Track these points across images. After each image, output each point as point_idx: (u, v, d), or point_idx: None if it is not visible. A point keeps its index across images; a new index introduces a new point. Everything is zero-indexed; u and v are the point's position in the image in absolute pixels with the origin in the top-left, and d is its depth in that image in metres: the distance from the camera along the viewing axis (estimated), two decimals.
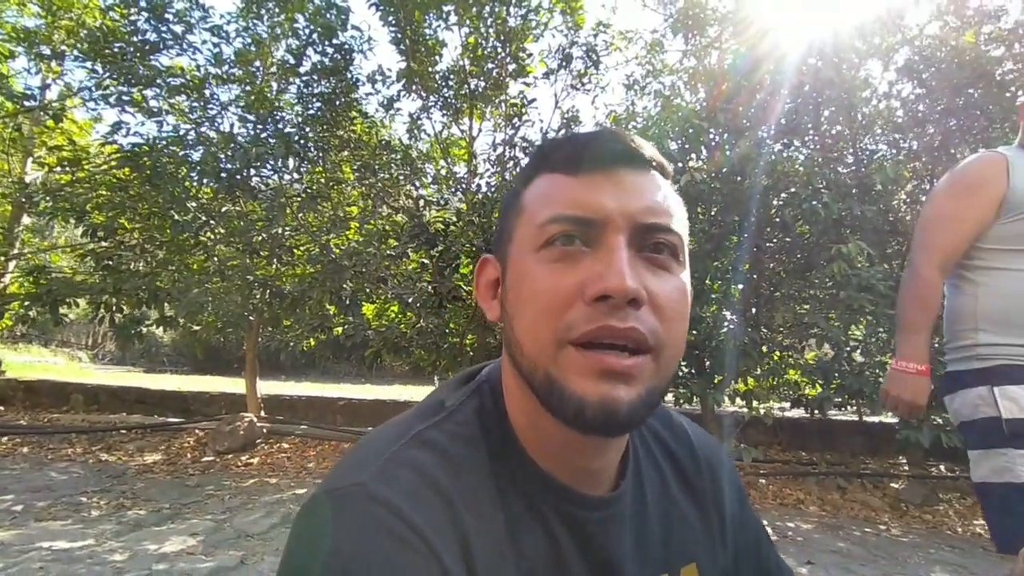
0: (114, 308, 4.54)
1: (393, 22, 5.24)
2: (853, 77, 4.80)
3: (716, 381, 4.32)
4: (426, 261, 4.41)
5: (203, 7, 4.79)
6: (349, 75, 4.78)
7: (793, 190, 3.91)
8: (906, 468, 4.61)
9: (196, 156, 4.63)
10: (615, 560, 0.42)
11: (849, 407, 4.80)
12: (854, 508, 3.81)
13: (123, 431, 5.14)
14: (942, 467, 4.66)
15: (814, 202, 3.78)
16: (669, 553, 0.46)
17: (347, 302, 4.56)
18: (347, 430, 5.29)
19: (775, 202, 4.64)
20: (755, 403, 4.74)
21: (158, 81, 4.56)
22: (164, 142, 4.58)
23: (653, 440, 0.51)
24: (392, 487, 0.34)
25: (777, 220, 4.65)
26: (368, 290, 4.47)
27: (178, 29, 4.67)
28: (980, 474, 1.16)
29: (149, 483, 3.77)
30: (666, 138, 4.50)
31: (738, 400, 4.94)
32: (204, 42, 4.87)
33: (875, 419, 5.27)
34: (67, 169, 4.77)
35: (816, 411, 4.16)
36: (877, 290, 3.68)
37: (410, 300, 3.96)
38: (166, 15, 4.55)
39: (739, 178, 4.43)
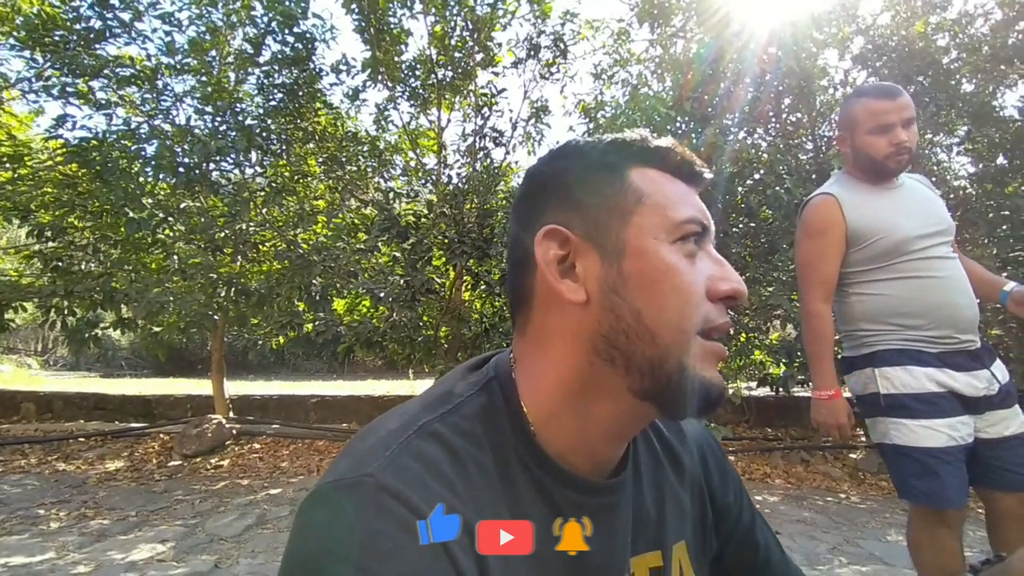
0: (65, 311, 4.31)
1: (356, 10, 5.09)
2: (811, 66, 4.96)
3: None
4: (397, 254, 4.34)
5: None
6: (312, 65, 4.63)
7: (758, 176, 4.01)
8: (863, 439, 4.85)
9: (151, 150, 4.42)
10: (619, 541, 0.44)
11: (810, 384, 5.01)
12: (817, 479, 3.99)
13: (81, 439, 4.91)
14: None
15: (778, 188, 3.89)
16: (663, 532, 0.47)
17: (317, 298, 4.46)
18: (321, 428, 5.20)
19: (740, 189, 4.77)
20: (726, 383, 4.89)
21: (105, 72, 4.31)
22: (114, 136, 4.34)
23: (651, 428, 0.53)
24: (400, 478, 0.34)
25: (742, 206, 4.78)
26: (338, 285, 4.38)
27: (125, 16, 4.42)
28: (875, 437, 1.45)
29: (112, 491, 3.62)
30: (634, 126, 4.53)
31: None
32: (155, 30, 4.63)
33: None
34: (7, 166, 4.47)
35: (781, 389, 4.32)
36: None
37: (382, 294, 3.90)
38: (111, 1, 4.29)
39: (707, 163, 4.52)
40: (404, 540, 0.32)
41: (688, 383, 0.39)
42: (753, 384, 5.07)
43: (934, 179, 5.45)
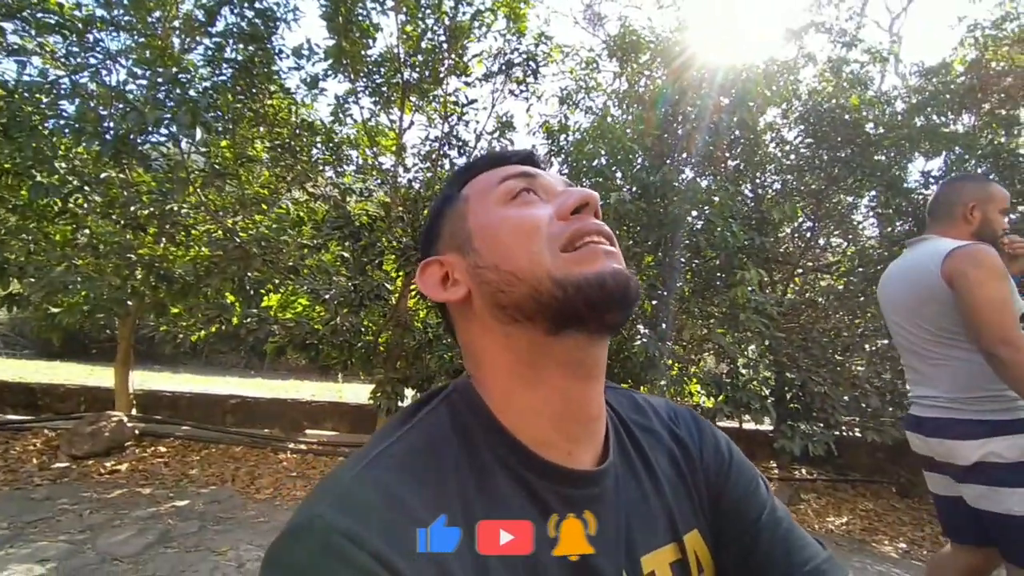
0: None
1: None
2: (758, 120, 5.36)
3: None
4: (346, 255, 4.12)
5: None
6: (270, 44, 4.34)
7: (710, 218, 4.25)
8: (776, 471, 5.22)
9: (71, 109, 3.92)
10: (612, 532, 0.43)
11: (734, 416, 5.33)
12: None
13: None
14: (803, 471, 5.34)
15: (724, 231, 4.13)
16: (672, 523, 0.47)
17: (251, 292, 4.13)
18: (240, 432, 4.81)
19: (690, 227, 5.02)
20: None
21: (24, 14, 3.79)
22: (27, 87, 3.82)
23: (628, 417, 0.53)
24: (351, 514, 0.33)
25: (687, 243, 5.04)
26: (276, 281, 4.08)
27: None
28: (999, 506, 1.36)
29: None
30: (598, 155, 4.67)
31: None
32: None
33: (753, 427, 5.90)
34: None
35: (711, 421, 4.53)
36: (769, 314, 4.11)
37: (327, 296, 3.67)
38: None
39: (660, 200, 4.72)
40: None
41: (573, 288, 0.40)
42: None
43: (850, 236, 6.07)
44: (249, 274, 3.92)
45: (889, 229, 5.45)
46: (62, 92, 3.97)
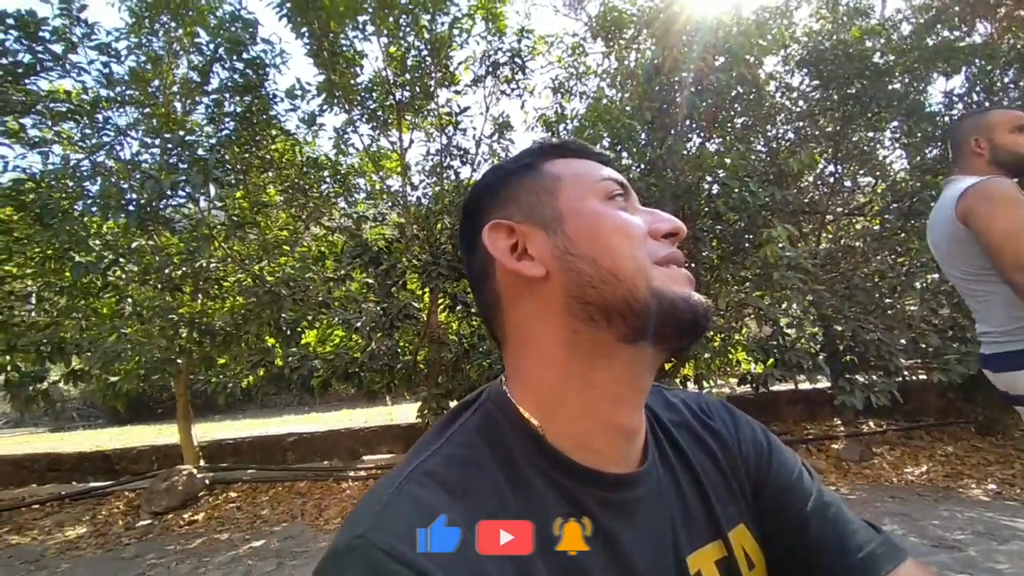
0: (9, 368, 3.96)
1: (307, 34, 4.98)
2: (758, 71, 5.18)
3: (666, 368, 4.48)
4: (370, 281, 4.21)
5: (85, 23, 4.29)
6: (264, 91, 4.47)
7: (725, 181, 4.13)
8: (841, 429, 5.03)
9: (94, 188, 4.15)
10: (658, 534, 0.43)
11: (786, 379, 5.18)
12: None
13: (35, 506, 4.51)
14: (871, 424, 5.14)
15: (743, 191, 4.02)
16: (714, 521, 0.46)
17: (287, 332, 4.26)
18: (302, 468, 4.97)
19: (703, 194, 4.90)
20: (705, 384, 4.99)
21: (38, 107, 4.03)
22: (53, 175, 4.05)
23: (663, 417, 0.52)
24: (393, 532, 0.33)
25: (706, 210, 4.91)
26: (310, 317, 4.20)
27: (57, 48, 4.14)
28: None
29: (76, 562, 3.33)
30: (599, 138, 4.61)
31: (690, 384, 5.16)
32: (91, 62, 4.36)
33: (809, 387, 5.71)
34: None
35: (761, 386, 4.41)
36: (804, 268, 3.97)
37: (358, 324, 3.75)
38: (41, 34, 4.02)
39: (669, 172, 4.62)
40: None
41: (668, 303, 0.40)
42: (734, 382, 5.18)
43: (877, 174, 5.80)
44: (283, 315, 4.04)
45: (919, 158, 5.18)
46: (84, 174, 4.20)
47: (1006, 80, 4.96)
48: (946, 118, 4.96)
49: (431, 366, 4.37)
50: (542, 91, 6.17)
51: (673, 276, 0.42)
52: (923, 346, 4.11)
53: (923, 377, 4.68)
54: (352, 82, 5.08)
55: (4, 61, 4.03)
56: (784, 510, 0.49)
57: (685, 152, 4.90)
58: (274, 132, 4.61)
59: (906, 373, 4.34)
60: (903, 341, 4.15)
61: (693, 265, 4.93)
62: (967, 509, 3.06)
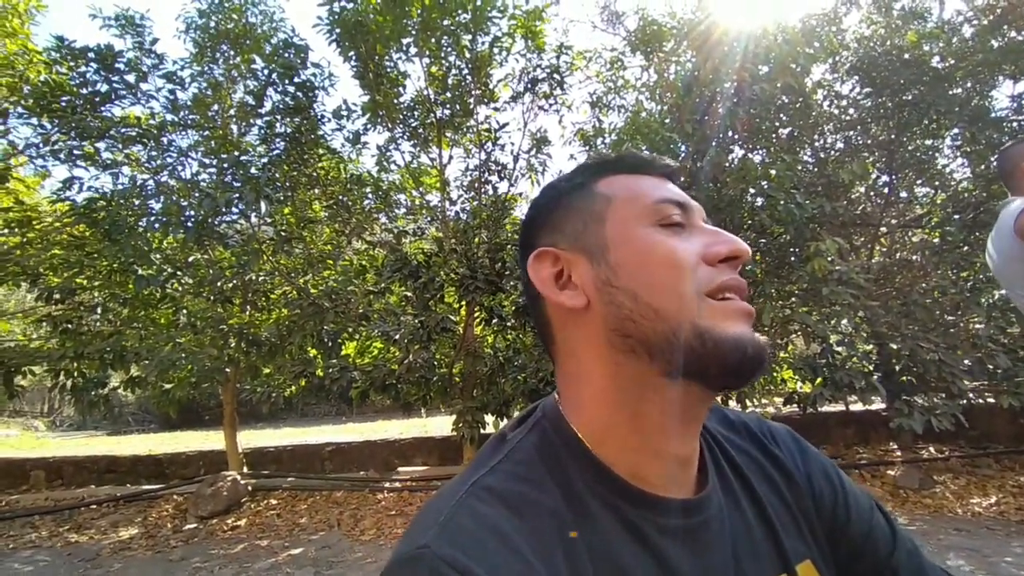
0: (76, 374, 4.25)
1: (354, 57, 5.21)
2: (805, 80, 5.02)
3: None
4: (409, 294, 4.28)
5: (155, 54, 4.65)
6: (313, 112, 4.69)
7: (770, 193, 4.00)
8: (898, 454, 4.69)
9: (157, 207, 4.44)
10: (720, 563, 0.41)
11: (836, 399, 4.89)
12: None
13: (93, 506, 4.77)
14: (931, 449, 4.77)
15: (789, 203, 3.88)
16: (780, 552, 0.44)
17: (329, 343, 4.39)
18: (338, 477, 5.05)
19: (746, 206, 4.76)
20: (748, 403, 4.77)
21: (111, 132, 4.37)
22: (121, 195, 4.37)
23: (724, 440, 0.49)
24: (456, 544, 0.33)
25: (750, 223, 4.76)
26: (350, 329, 4.31)
27: (130, 78, 4.51)
28: None
29: (128, 562, 3.48)
30: (637, 151, 4.57)
31: (732, 402, 4.95)
32: (159, 89, 4.72)
33: (862, 408, 5.37)
34: (16, 231, 4.49)
35: (810, 407, 4.18)
36: (856, 283, 3.77)
37: (396, 336, 3.82)
38: (116, 65, 4.39)
39: (712, 185, 4.52)
40: None
41: (713, 343, 0.38)
42: (779, 401, 4.94)
43: (936, 183, 5.48)
44: (325, 327, 4.17)
45: (983, 167, 4.86)
46: (148, 192, 4.51)
47: None
48: (1015, 123, 4.65)
49: (466, 379, 4.39)
50: (580, 105, 6.19)
51: (726, 311, 0.39)
52: (990, 367, 3.80)
53: (991, 400, 4.32)
54: (395, 101, 5.27)
55: (84, 91, 4.42)
56: (868, 559, 0.46)
57: (727, 164, 4.79)
58: (320, 151, 4.82)
59: (971, 395, 4.01)
60: (967, 361, 3.85)
61: None
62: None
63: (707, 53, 4.99)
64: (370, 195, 4.92)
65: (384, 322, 4.01)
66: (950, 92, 4.71)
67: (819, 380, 4.23)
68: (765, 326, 4.76)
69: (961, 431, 3.72)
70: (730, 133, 5.16)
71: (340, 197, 4.72)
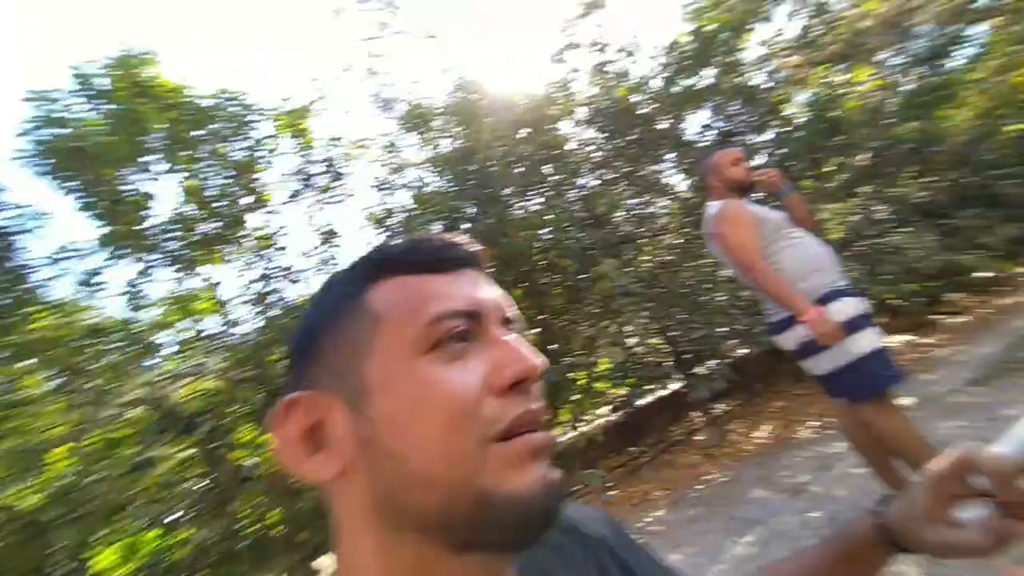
0: None
1: (78, 186, 4.48)
2: (558, 136, 5.88)
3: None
4: (191, 451, 3.54)
5: None
6: (12, 264, 3.79)
7: (552, 234, 4.58)
8: (704, 420, 5.38)
9: None
10: None
11: (646, 392, 5.44)
12: (686, 475, 3.93)
13: None
14: (722, 406, 5.54)
15: (568, 240, 4.42)
16: None
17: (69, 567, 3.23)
18: None
19: (536, 250, 5.25)
20: (577, 426, 5.15)
21: None
22: None
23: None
24: None
25: (543, 263, 5.27)
26: (104, 532, 3.33)
27: None
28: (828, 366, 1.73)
29: None
30: (429, 225, 4.82)
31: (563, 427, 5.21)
32: None
33: (667, 392, 5.97)
34: None
35: (629, 407, 4.71)
36: (633, 291, 4.39)
37: (180, 514, 3.09)
38: None
39: (503, 239, 4.88)
40: None
41: (497, 506, 0.31)
42: (606, 410, 5.40)
43: (670, 198, 6.78)
44: (59, 545, 3.11)
45: (694, 179, 6.17)
46: None
47: (737, 107, 6.25)
48: (705, 144, 6.04)
49: (289, 523, 3.69)
50: (365, 190, 6.23)
51: (515, 456, 0.32)
52: (737, 327, 4.68)
53: (747, 351, 5.31)
54: (141, 228, 4.59)
55: None
56: None
57: (511, 219, 5.24)
58: (31, 309, 3.87)
59: (732, 354, 4.93)
60: (722, 329, 4.72)
61: (542, 316, 5.16)
62: (803, 451, 3.36)
63: (474, 126, 5.52)
64: (118, 345, 4.09)
65: (158, 501, 3.21)
66: (658, 128, 5.97)
67: (630, 379, 4.81)
68: (576, 351, 5.21)
69: (736, 385, 4.42)
70: (508, 190, 5.71)
71: (69, 360, 3.80)
